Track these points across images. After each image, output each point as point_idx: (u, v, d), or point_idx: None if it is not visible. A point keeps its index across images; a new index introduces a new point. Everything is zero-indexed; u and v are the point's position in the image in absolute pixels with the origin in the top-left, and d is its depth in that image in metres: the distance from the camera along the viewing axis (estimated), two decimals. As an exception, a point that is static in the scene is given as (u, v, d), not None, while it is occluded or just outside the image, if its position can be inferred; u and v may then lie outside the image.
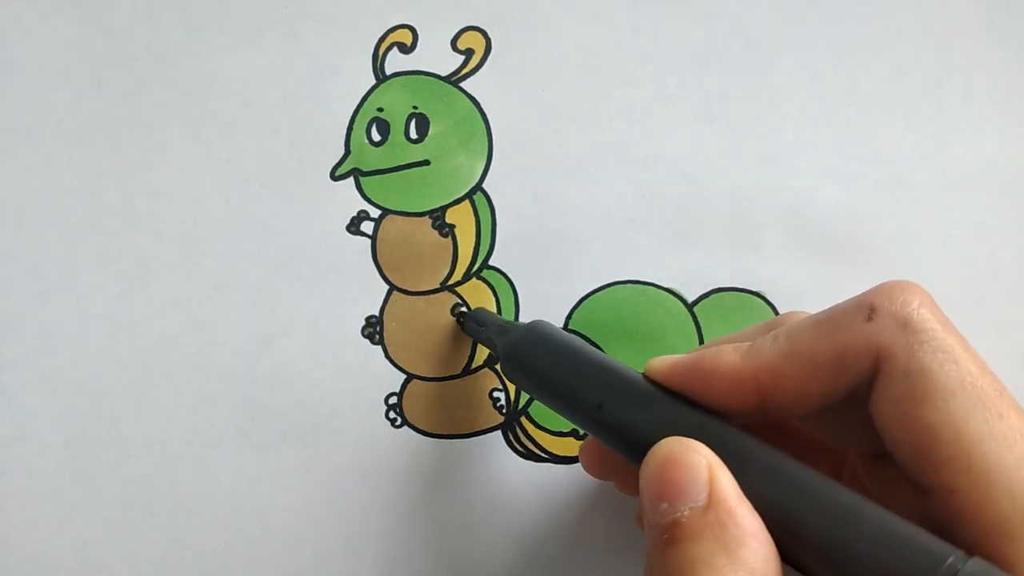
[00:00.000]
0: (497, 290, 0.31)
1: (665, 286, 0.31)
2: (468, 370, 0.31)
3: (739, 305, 0.31)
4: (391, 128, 0.31)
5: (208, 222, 0.31)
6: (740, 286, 0.31)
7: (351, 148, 0.31)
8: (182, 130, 0.31)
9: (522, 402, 0.31)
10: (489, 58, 0.31)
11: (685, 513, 0.19)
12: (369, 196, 0.31)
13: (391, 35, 0.31)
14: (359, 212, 0.31)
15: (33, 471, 0.30)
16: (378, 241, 0.31)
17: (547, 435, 0.30)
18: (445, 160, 0.31)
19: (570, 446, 0.30)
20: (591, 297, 0.31)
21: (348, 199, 0.31)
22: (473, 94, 0.31)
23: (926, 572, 0.17)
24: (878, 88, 0.31)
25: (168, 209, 0.31)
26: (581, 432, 0.30)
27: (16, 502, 0.30)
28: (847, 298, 0.30)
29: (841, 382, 0.21)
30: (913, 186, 0.31)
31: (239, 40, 0.31)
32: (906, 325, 0.20)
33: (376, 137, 0.31)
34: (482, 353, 0.31)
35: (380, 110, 0.31)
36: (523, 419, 0.31)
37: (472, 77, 0.31)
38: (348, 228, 0.31)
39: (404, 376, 0.30)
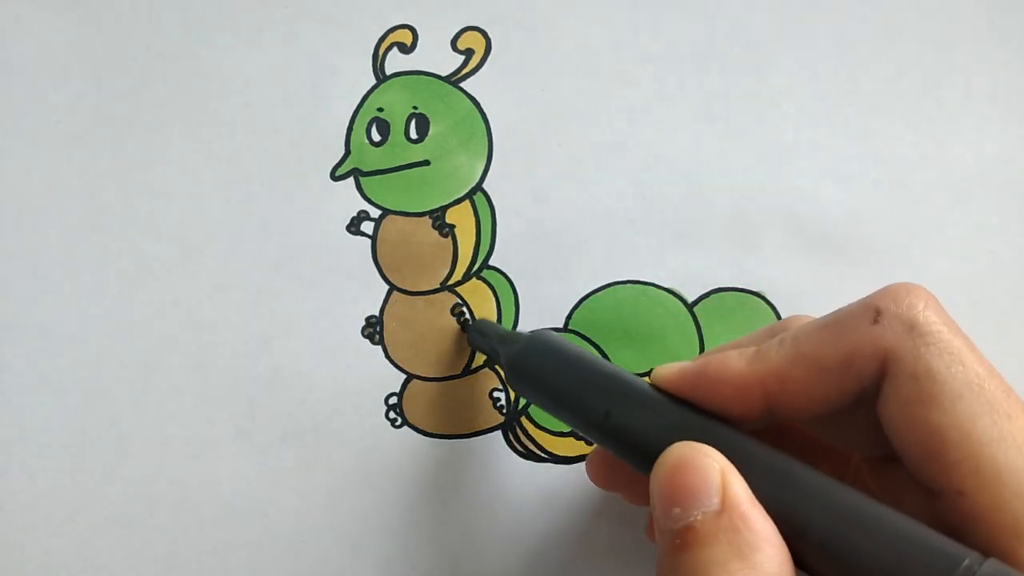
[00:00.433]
0: (497, 290, 0.31)
1: (665, 286, 0.31)
2: (468, 370, 0.31)
3: (739, 305, 0.31)
4: (391, 128, 0.31)
5: (208, 222, 0.31)
6: (740, 286, 0.31)
7: (351, 148, 0.31)
8: (182, 130, 0.31)
9: (522, 402, 0.31)
10: (489, 58, 0.31)
11: (698, 518, 0.19)
12: (369, 196, 0.31)
13: (391, 35, 0.31)
14: (359, 212, 0.31)
15: (33, 471, 0.30)
16: (378, 241, 0.31)
17: (547, 435, 0.30)
18: (445, 160, 0.31)
19: (570, 446, 0.30)
20: (591, 297, 0.31)
21: (348, 199, 0.31)
22: (473, 94, 0.31)
23: (942, 574, 0.17)
24: (878, 88, 0.31)
25: (168, 209, 0.31)
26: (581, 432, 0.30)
27: (16, 502, 0.30)
28: (847, 298, 0.29)
29: (848, 385, 0.21)
30: (913, 186, 0.31)
31: (239, 40, 0.31)
32: (912, 327, 0.20)
33: (376, 137, 0.31)
34: (482, 353, 0.31)
35: (380, 110, 0.31)
36: (523, 419, 0.31)
37: (472, 77, 0.31)
38: (348, 228, 0.31)
39: (404, 376, 0.30)
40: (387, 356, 0.30)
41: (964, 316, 0.31)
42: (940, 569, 0.17)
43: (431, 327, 0.31)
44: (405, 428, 0.30)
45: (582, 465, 0.30)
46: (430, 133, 0.31)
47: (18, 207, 0.31)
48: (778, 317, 0.31)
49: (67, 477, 0.30)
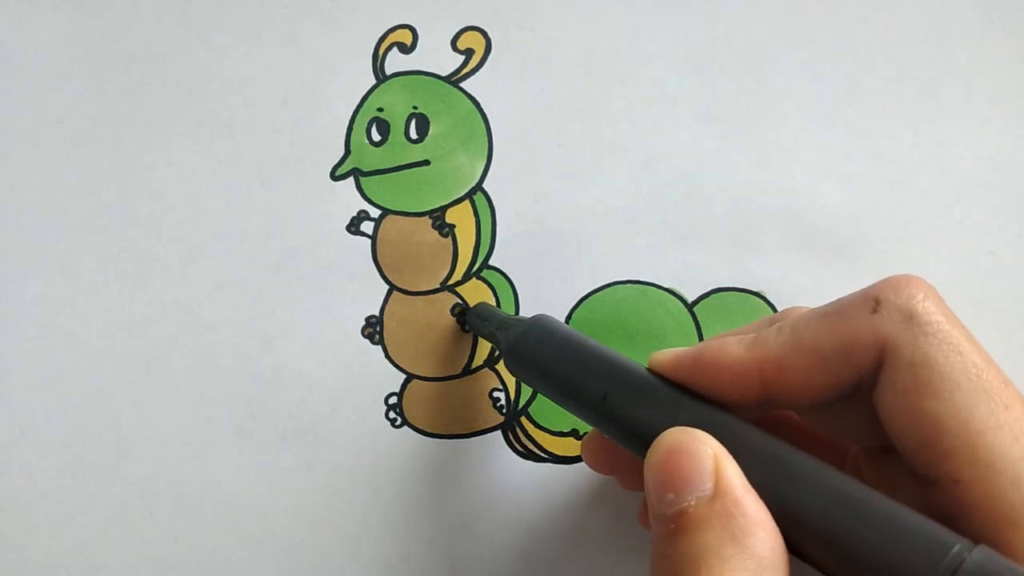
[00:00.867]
0: (497, 290, 0.31)
1: (665, 286, 0.31)
2: (468, 370, 0.31)
3: (739, 305, 0.31)
4: (391, 128, 0.31)
5: (208, 222, 0.31)
6: (740, 286, 0.31)
7: (351, 148, 0.31)
8: (182, 130, 0.31)
9: (522, 402, 0.31)
10: (489, 58, 0.31)
11: (692, 503, 0.19)
12: (369, 196, 0.31)
13: (391, 35, 0.31)
14: (359, 212, 0.31)
15: (33, 471, 0.30)
16: (378, 241, 0.31)
17: (547, 435, 0.30)
18: (445, 160, 0.31)
19: (570, 446, 0.30)
20: (591, 297, 0.31)
21: (348, 199, 0.31)
22: (473, 94, 0.31)
23: (932, 560, 0.17)
24: (878, 88, 0.31)
25: (168, 209, 0.31)
26: (581, 432, 0.30)
27: (16, 502, 0.30)
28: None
29: (846, 374, 0.21)
30: (913, 186, 0.31)
31: (239, 40, 0.31)
32: (911, 317, 0.20)
33: (376, 137, 0.31)
34: (482, 353, 0.31)
35: (380, 110, 0.31)
36: (523, 419, 0.31)
37: (472, 77, 0.31)
38: (348, 228, 0.31)
39: (404, 376, 0.30)
40: (387, 356, 0.30)
41: (964, 316, 0.31)
42: (930, 555, 0.17)
43: (431, 327, 0.31)
44: (405, 428, 0.30)
45: (582, 465, 0.30)
46: (430, 133, 0.31)
47: (18, 207, 0.31)
48: (778, 317, 0.31)
49: (67, 477, 0.30)
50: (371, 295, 0.31)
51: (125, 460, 0.30)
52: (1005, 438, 0.19)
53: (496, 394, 0.31)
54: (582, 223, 0.31)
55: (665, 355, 0.23)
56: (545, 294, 0.31)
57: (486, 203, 0.31)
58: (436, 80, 0.31)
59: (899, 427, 0.20)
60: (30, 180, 0.31)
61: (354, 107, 0.31)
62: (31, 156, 0.31)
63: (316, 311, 0.30)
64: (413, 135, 0.31)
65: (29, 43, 0.31)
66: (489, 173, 0.31)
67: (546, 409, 0.30)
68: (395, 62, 0.31)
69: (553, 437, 0.30)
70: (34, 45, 0.31)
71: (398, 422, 0.30)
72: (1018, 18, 0.31)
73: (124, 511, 0.30)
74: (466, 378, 0.31)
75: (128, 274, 0.31)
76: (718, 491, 0.19)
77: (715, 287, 0.31)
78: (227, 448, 0.30)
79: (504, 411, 0.31)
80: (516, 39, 0.31)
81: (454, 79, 0.31)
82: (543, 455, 0.30)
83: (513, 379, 0.31)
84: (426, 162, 0.31)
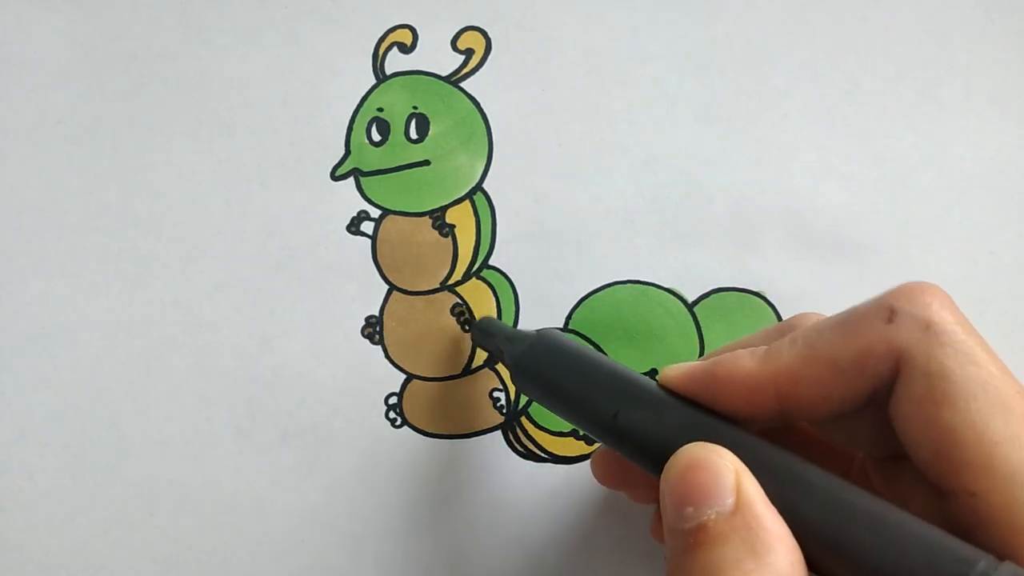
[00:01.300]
0: (497, 290, 0.31)
1: (665, 286, 0.31)
2: (468, 370, 0.31)
3: (739, 305, 0.31)
4: (391, 128, 0.31)
5: (208, 222, 0.31)
6: (740, 286, 0.31)
7: (351, 148, 0.31)
8: (182, 130, 0.31)
9: (522, 402, 0.31)
10: (489, 58, 0.31)
11: (711, 517, 0.19)
12: (369, 196, 0.31)
13: (391, 35, 0.31)
14: (359, 212, 0.31)
15: (33, 471, 0.30)
16: (378, 241, 0.31)
17: (547, 435, 0.30)
18: (445, 160, 0.31)
19: (570, 446, 0.30)
20: (591, 297, 0.31)
21: (348, 199, 0.31)
22: (473, 94, 0.31)
23: None
24: (878, 88, 0.31)
25: (168, 209, 0.31)
26: (581, 432, 0.30)
27: (16, 502, 0.30)
28: (847, 298, 0.29)
29: (861, 385, 0.21)
30: (913, 186, 0.31)
31: (239, 40, 0.31)
32: (927, 327, 0.20)
33: (376, 137, 0.31)
34: (482, 353, 0.31)
35: (380, 110, 0.31)
36: (523, 419, 0.31)
37: (472, 77, 0.31)
38: (348, 228, 0.31)
39: (404, 376, 0.30)
40: (387, 356, 0.30)
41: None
42: (954, 572, 0.17)
43: (431, 327, 0.31)
44: (405, 428, 0.30)
45: (582, 465, 0.30)
46: (430, 133, 0.31)
47: (18, 207, 0.31)
48: (778, 317, 0.31)
49: (67, 477, 0.30)
50: (371, 295, 0.31)
51: (125, 460, 0.30)
52: (1022, 449, 0.19)
53: (496, 394, 0.31)
54: (582, 223, 0.31)
55: (676, 370, 0.23)
56: (545, 294, 0.31)
57: (486, 203, 0.31)
58: (436, 80, 0.31)
59: (914, 438, 0.20)
60: (30, 180, 0.31)
61: (354, 107, 0.31)
62: (31, 156, 0.31)
63: (316, 311, 0.30)
64: (413, 135, 0.31)
65: (29, 43, 0.31)
66: (489, 173, 0.31)
67: (546, 410, 0.30)
68: (395, 62, 0.31)
69: (553, 437, 0.30)
70: (34, 45, 0.31)
71: (398, 422, 0.30)
72: (1018, 18, 0.31)
73: (124, 511, 0.30)
74: (466, 378, 0.31)
75: (128, 274, 0.31)
76: (739, 505, 0.19)
77: (715, 287, 0.31)
78: (227, 448, 0.30)
79: (504, 411, 0.31)
80: (516, 39, 0.31)
81: (454, 79, 0.31)
82: (543, 455, 0.30)
83: (513, 379, 0.31)
84: (426, 162, 0.31)
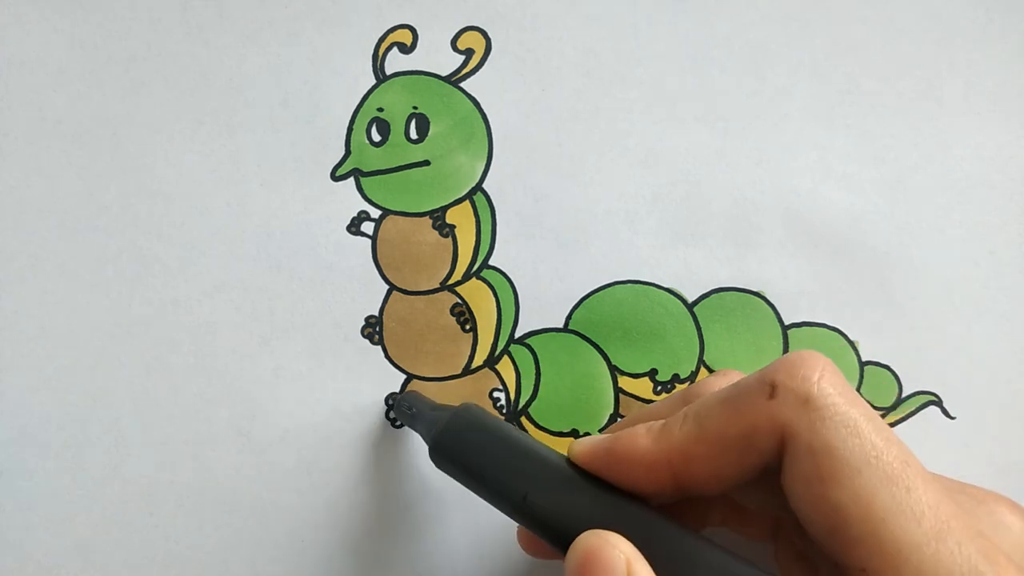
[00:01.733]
0: (497, 290, 0.31)
1: (665, 286, 0.31)
2: (468, 370, 0.31)
3: (739, 305, 0.31)
4: (391, 128, 0.31)
5: (208, 222, 0.31)
6: (740, 286, 0.31)
7: (351, 148, 0.31)
8: (182, 130, 0.31)
9: (522, 402, 0.31)
10: (489, 58, 0.31)
11: None
12: (369, 196, 0.31)
13: (391, 35, 0.31)
14: (359, 212, 0.31)
15: (33, 471, 0.30)
16: (378, 241, 0.31)
17: (547, 435, 0.30)
18: (445, 160, 0.31)
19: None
20: (591, 297, 0.31)
21: (348, 199, 0.31)
22: (473, 94, 0.31)
23: None
24: (878, 88, 0.31)
25: (168, 209, 0.31)
26: (581, 432, 0.30)
27: (16, 502, 0.30)
28: (847, 298, 0.30)
29: (751, 461, 0.21)
30: (913, 186, 0.31)
31: (239, 40, 0.31)
32: (807, 401, 0.20)
33: (376, 137, 0.31)
34: (482, 353, 0.31)
35: (380, 110, 0.31)
36: (523, 419, 0.31)
37: (472, 77, 0.31)
38: (348, 228, 0.31)
39: (404, 376, 0.30)
40: (387, 356, 0.30)
41: (964, 316, 0.31)
42: None
43: (431, 327, 0.31)
44: (405, 428, 0.30)
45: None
46: (430, 133, 0.31)
47: (18, 207, 0.31)
48: (778, 317, 0.31)
49: (67, 477, 0.30)
50: (371, 295, 0.31)
51: (125, 460, 0.30)
52: (908, 523, 0.19)
53: (496, 394, 0.31)
54: (582, 223, 0.31)
55: (582, 446, 0.23)
56: (545, 294, 0.31)
57: (486, 203, 0.31)
58: (436, 80, 0.31)
59: (806, 514, 0.20)
60: (30, 180, 0.31)
61: (354, 107, 0.31)
62: (31, 156, 0.31)
63: (316, 311, 0.30)
64: (413, 135, 0.31)
65: (29, 43, 0.31)
66: (489, 173, 0.31)
67: (546, 409, 0.30)
68: (395, 62, 0.31)
69: (553, 437, 0.30)
70: (34, 45, 0.31)
71: (398, 422, 0.30)
72: (1018, 18, 0.31)
73: (124, 511, 0.30)
74: (466, 378, 0.31)
75: (128, 274, 0.31)
76: None
77: (715, 287, 0.31)
78: (227, 448, 0.30)
79: (504, 411, 0.31)
80: (516, 39, 0.31)
81: (454, 79, 0.31)
82: (543, 455, 0.30)
83: (513, 379, 0.31)
84: (426, 162, 0.31)
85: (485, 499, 0.24)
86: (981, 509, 0.24)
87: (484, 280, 0.31)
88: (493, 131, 0.31)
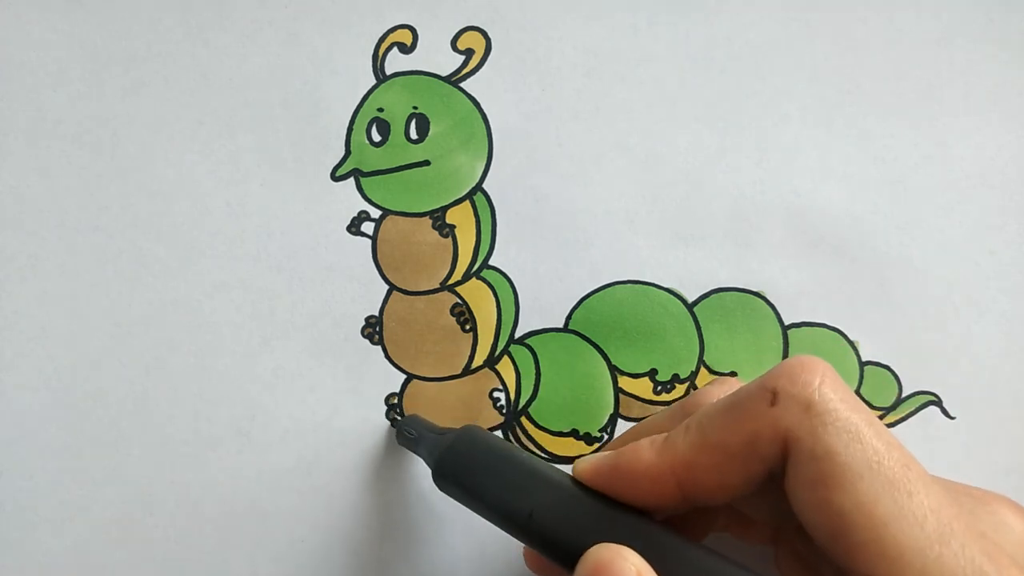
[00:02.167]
0: (497, 290, 0.31)
1: (665, 286, 0.31)
2: (468, 370, 0.31)
3: (739, 305, 0.31)
4: (391, 128, 0.31)
5: (208, 222, 0.31)
6: (740, 286, 0.31)
7: (351, 148, 0.31)
8: (182, 130, 0.31)
9: (522, 402, 0.31)
10: (489, 58, 0.31)
11: None
12: (369, 196, 0.31)
13: (391, 35, 0.31)
14: (359, 212, 0.31)
15: (33, 471, 0.30)
16: (378, 241, 0.31)
17: (547, 435, 0.30)
18: (445, 160, 0.31)
19: (570, 446, 0.30)
20: (591, 297, 0.31)
21: (348, 199, 0.31)
22: (473, 94, 0.31)
23: None
24: (878, 88, 0.31)
25: (168, 209, 0.31)
26: (581, 432, 0.30)
27: (16, 502, 0.30)
28: (847, 299, 0.30)
29: (755, 468, 0.21)
30: (913, 186, 0.31)
31: (239, 40, 0.31)
32: (808, 407, 0.20)
33: (376, 137, 0.31)
34: (482, 353, 0.31)
35: (380, 110, 0.31)
36: (523, 419, 0.31)
37: (472, 77, 0.31)
38: (348, 228, 0.31)
39: (404, 376, 0.30)
40: (387, 356, 0.30)
41: (964, 316, 0.31)
42: None
43: (431, 327, 0.31)
44: (405, 428, 0.30)
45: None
46: (430, 133, 0.31)
47: (18, 207, 0.31)
48: (778, 317, 0.31)
49: (67, 477, 0.30)
50: (371, 295, 0.31)
51: (125, 460, 0.30)
52: (911, 527, 0.19)
53: (496, 394, 0.31)
54: (582, 223, 0.31)
55: (585, 464, 0.23)
56: (545, 294, 0.31)
57: (486, 203, 0.31)
58: (436, 80, 0.31)
59: (809, 519, 0.20)
60: (30, 180, 0.31)
61: (354, 107, 0.31)
62: (31, 156, 0.31)
63: (316, 311, 0.30)
64: (413, 135, 0.31)
65: (29, 43, 0.31)
66: (489, 173, 0.31)
67: (546, 409, 0.30)
68: (395, 62, 0.31)
69: (553, 437, 0.30)
70: (34, 45, 0.31)
71: (398, 422, 0.30)
72: (1018, 18, 0.31)
73: (124, 511, 0.30)
74: (466, 378, 0.31)
75: (128, 274, 0.31)
76: None
77: (715, 287, 0.31)
78: (227, 448, 0.30)
79: (504, 411, 0.31)
80: (516, 39, 0.31)
81: (454, 79, 0.31)
82: (543, 455, 0.30)
83: (513, 379, 0.31)
84: (426, 162, 0.31)
85: (491, 520, 0.24)
86: (983, 510, 0.24)
87: (484, 280, 0.31)
88: (493, 131, 0.31)
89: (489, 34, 0.31)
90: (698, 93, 0.31)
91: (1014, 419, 0.30)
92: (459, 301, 0.31)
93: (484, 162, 0.31)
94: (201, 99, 0.31)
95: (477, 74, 0.31)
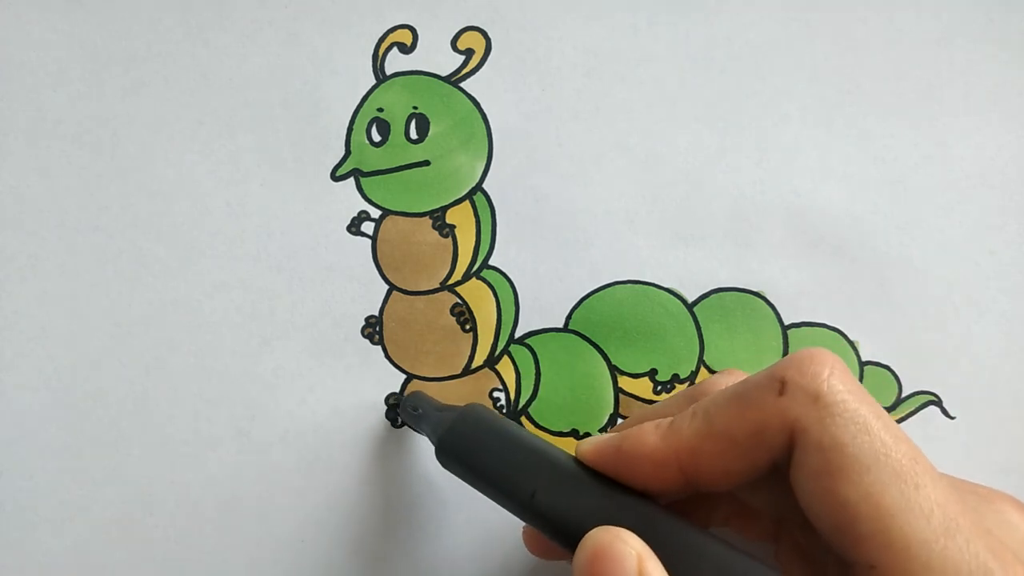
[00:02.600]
0: (497, 290, 0.31)
1: (665, 286, 0.31)
2: (468, 370, 0.31)
3: (739, 305, 0.31)
4: (391, 128, 0.31)
5: (208, 222, 0.31)
6: (740, 286, 0.31)
7: (351, 148, 0.31)
8: (182, 130, 0.31)
9: (522, 402, 0.31)
10: (489, 58, 0.31)
11: None
12: (369, 196, 0.31)
13: (391, 35, 0.31)
14: (359, 212, 0.31)
15: (33, 471, 0.30)
16: (378, 241, 0.31)
17: (547, 435, 0.30)
18: (445, 160, 0.31)
19: (570, 446, 0.30)
20: (591, 297, 0.31)
21: (348, 199, 0.31)
22: (473, 94, 0.31)
23: None
24: (878, 88, 0.31)
25: (168, 209, 0.31)
26: (581, 432, 0.30)
27: (16, 502, 0.30)
28: (847, 298, 0.30)
29: (760, 457, 0.21)
30: (913, 186, 0.31)
31: (239, 40, 0.31)
32: (817, 398, 0.20)
33: (376, 137, 0.31)
34: (482, 353, 0.31)
35: (380, 110, 0.31)
36: (523, 419, 0.31)
37: (472, 77, 0.31)
38: (348, 228, 0.31)
39: (404, 376, 0.30)
40: (387, 356, 0.30)
41: (964, 316, 0.31)
42: None
43: (431, 327, 0.31)
44: (405, 428, 0.30)
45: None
46: (430, 133, 0.31)
47: (18, 207, 0.31)
48: (778, 317, 0.31)
49: (67, 477, 0.30)
50: (371, 295, 0.31)
51: (125, 460, 0.30)
52: (917, 520, 0.19)
53: (496, 394, 0.31)
54: (582, 223, 0.31)
55: (588, 446, 0.23)
56: (545, 294, 0.31)
57: (486, 203, 0.31)
58: (436, 80, 0.31)
59: (814, 510, 0.20)
60: (30, 180, 0.31)
61: (354, 107, 0.31)
62: (31, 156, 0.31)
63: (316, 311, 0.30)
64: (413, 135, 0.31)
65: (29, 43, 0.31)
66: (489, 173, 0.31)
67: (546, 409, 0.30)
68: (395, 62, 0.31)
69: (553, 437, 0.30)
70: (34, 45, 0.31)
71: (398, 422, 0.30)
72: (1018, 18, 0.31)
73: (124, 511, 0.30)
74: (466, 378, 0.31)
75: (128, 274, 0.31)
76: None
77: (715, 287, 0.31)
78: (227, 448, 0.30)
79: (504, 411, 0.31)
80: (516, 39, 0.31)
81: (454, 79, 0.31)
82: (543, 455, 0.30)
83: (513, 379, 0.31)
84: (426, 162, 0.31)
85: (492, 498, 0.24)
86: (988, 508, 0.24)
87: (484, 280, 0.31)
88: (493, 131, 0.31)
89: (489, 34, 0.31)
90: (698, 93, 0.31)
91: (1014, 419, 0.30)
92: (459, 301, 0.31)
93: (484, 162, 0.31)
94: (201, 99, 0.31)
95: (477, 74, 0.31)
